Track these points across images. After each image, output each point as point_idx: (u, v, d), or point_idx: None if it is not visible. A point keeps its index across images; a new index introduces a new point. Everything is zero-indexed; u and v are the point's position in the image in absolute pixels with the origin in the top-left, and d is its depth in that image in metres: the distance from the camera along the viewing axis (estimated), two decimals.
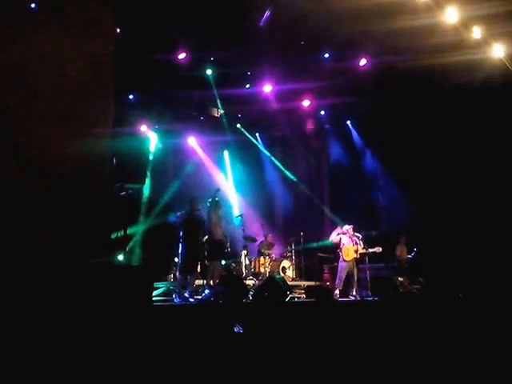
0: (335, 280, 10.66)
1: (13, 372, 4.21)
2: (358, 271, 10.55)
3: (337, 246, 10.81)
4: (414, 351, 5.27)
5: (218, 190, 10.46)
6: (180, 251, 8.97)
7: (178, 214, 9.10)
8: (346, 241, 10.62)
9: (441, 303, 8.36)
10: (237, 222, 11.68)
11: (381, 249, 10.67)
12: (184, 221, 8.99)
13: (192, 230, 9.04)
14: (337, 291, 10.35)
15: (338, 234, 10.79)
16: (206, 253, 9.69)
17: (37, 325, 4.74)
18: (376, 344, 5.56)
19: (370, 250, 10.60)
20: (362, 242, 10.64)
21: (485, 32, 9.54)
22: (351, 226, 10.84)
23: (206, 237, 9.90)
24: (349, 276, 10.49)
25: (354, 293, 10.38)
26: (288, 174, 15.23)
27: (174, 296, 8.91)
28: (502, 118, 10.35)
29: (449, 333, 6.12)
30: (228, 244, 10.28)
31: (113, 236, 8.24)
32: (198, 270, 9.76)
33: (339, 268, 10.60)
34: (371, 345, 5.52)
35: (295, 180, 15.06)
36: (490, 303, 7.67)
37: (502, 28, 9.49)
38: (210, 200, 9.77)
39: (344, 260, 10.51)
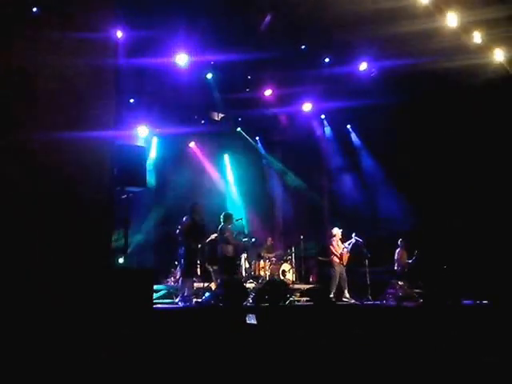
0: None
1: (12, 373, 4.22)
2: (345, 272, 10.78)
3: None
4: (414, 357, 5.27)
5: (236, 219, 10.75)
6: (182, 256, 9.04)
7: (184, 219, 9.17)
8: (336, 246, 10.85)
9: (441, 309, 8.37)
10: (237, 225, 11.70)
11: (354, 239, 10.85)
12: (186, 227, 9.05)
13: (193, 235, 9.10)
14: (331, 294, 10.44)
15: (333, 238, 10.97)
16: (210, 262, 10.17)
17: (36, 327, 4.75)
18: (375, 349, 5.56)
19: (347, 246, 10.85)
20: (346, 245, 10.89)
21: (485, 37, 9.58)
22: (341, 230, 11.14)
23: (209, 239, 10.02)
24: (341, 279, 10.66)
25: (348, 295, 10.47)
26: (288, 177, 15.25)
27: (177, 299, 8.99)
28: (503, 121, 10.38)
29: (450, 338, 6.13)
30: (241, 261, 10.67)
31: (113, 239, 8.26)
32: (198, 272, 9.84)
33: (332, 272, 10.73)
34: (370, 349, 5.52)
35: (295, 183, 15.07)
36: (493, 308, 7.68)
37: (502, 33, 9.53)
38: (225, 216, 9.96)
39: (335, 265, 10.70)
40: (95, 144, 5.83)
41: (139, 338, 5.06)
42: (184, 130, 13.46)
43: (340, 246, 10.96)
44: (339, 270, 10.72)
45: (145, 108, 12.35)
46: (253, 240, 11.10)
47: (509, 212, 10.16)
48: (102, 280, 5.45)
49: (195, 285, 9.79)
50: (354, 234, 10.94)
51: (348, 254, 10.88)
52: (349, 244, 10.94)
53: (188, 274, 9.06)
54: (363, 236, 10.96)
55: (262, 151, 15.67)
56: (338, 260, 10.81)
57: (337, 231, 11.13)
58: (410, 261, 11.44)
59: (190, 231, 9.03)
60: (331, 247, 10.96)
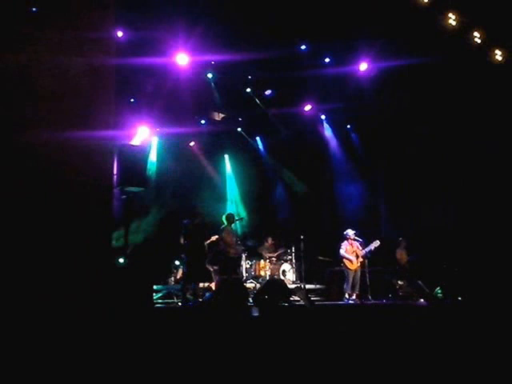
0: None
1: (12, 372, 4.22)
2: (360, 276, 10.59)
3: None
4: (415, 357, 5.25)
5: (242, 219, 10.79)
6: (184, 260, 9.05)
7: (185, 221, 9.18)
8: (347, 249, 10.63)
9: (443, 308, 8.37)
10: (238, 225, 11.73)
11: (378, 242, 10.65)
12: (187, 230, 9.07)
13: (195, 237, 9.12)
14: (346, 295, 10.46)
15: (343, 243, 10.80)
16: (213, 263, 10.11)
17: (37, 326, 4.76)
18: (374, 350, 5.55)
19: (367, 249, 10.59)
20: (360, 246, 10.68)
21: (485, 36, 9.58)
22: (354, 231, 10.84)
23: (209, 240, 10.04)
24: (353, 281, 10.55)
25: (355, 297, 10.41)
26: (288, 177, 15.26)
27: (176, 301, 9.02)
28: (502, 121, 10.38)
29: (450, 339, 6.11)
30: (241, 261, 10.58)
31: (114, 239, 8.29)
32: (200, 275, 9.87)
33: (346, 273, 10.60)
34: (369, 351, 5.51)
35: (295, 183, 15.07)
36: (491, 307, 7.68)
37: (502, 32, 9.53)
38: (227, 216, 9.99)
39: (348, 268, 10.54)
40: (95, 144, 5.82)
41: (139, 337, 5.06)
42: (184, 129, 13.47)
43: (353, 248, 10.68)
44: (352, 271, 10.51)
45: (145, 108, 12.35)
46: (243, 248, 11.03)
47: (507, 212, 10.17)
48: (102, 280, 5.45)
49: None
50: (376, 242, 10.67)
51: (361, 259, 10.60)
52: (368, 251, 10.62)
53: (190, 276, 9.08)
54: (363, 236, 10.94)
55: (263, 151, 15.66)
56: (350, 262, 10.56)
57: (350, 233, 10.80)
58: (408, 257, 11.46)
59: (191, 234, 9.05)
60: (340, 251, 10.67)
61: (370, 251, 10.63)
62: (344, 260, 10.58)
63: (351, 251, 10.61)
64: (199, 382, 4.30)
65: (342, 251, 10.64)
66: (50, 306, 4.94)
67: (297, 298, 10.14)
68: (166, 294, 9.99)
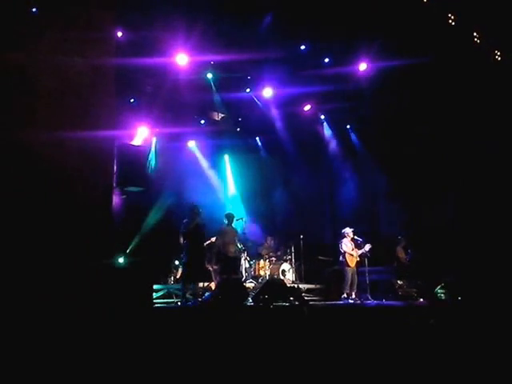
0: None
1: (12, 372, 4.23)
2: (357, 274, 10.61)
3: (339, 251, 10.82)
4: (415, 356, 5.24)
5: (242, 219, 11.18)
6: (183, 260, 9.04)
7: (184, 221, 9.17)
8: (348, 246, 10.64)
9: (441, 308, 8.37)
10: (238, 225, 11.72)
11: (369, 245, 10.66)
12: (186, 229, 9.05)
13: (194, 237, 9.10)
14: (345, 294, 10.46)
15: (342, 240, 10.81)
16: (215, 263, 10.11)
17: (37, 326, 4.76)
18: (374, 350, 5.55)
19: (360, 252, 10.61)
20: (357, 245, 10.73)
21: (486, 35, 9.58)
22: (352, 229, 10.86)
23: (209, 241, 10.04)
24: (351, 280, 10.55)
25: (354, 296, 10.42)
26: (288, 177, 15.26)
27: (176, 300, 9.02)
28: (502, 121, 10.39)
29: (450, 338, 6.11)
30: (241, 261, 10.72)
31: (113, 238, 8.31)
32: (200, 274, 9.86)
33: (345, 272, 10.59)
34: (369, 350, 5.51)
35: (295, 183, 15.07)
36: (490, 305, 7.69)
37: (501, 32, 9.53)
38: (227, 216, 10.01)
39: (349, 266, 10.54)
40: (95, 144, 5.83)
41: (139, 337, 5.07)
42: (184, 129, 13.46)
43: (352, 246, 10.70)
44: (351, 270, 10.53)
45: (145, 108, 12.34)
46: (243, 248, 10.95)
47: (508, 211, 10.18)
48: (102, 280, 5.46)
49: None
50: (368, 245, 10.65)
51: (358, 259, 10.64)
52: (364, 251, 10.60)
53: (189, 276, 9.07)
54: (363, 236, 10.94)
55: (262, 151, 15.65)
56: (351, 259, 10.57)
57: (348, 230, 10.84)
58: (405, 256, 11.47)
59: (191, 233, 9.04)
60: (343, 247, 10.67)
61: (364, 253, 10.65)
62: (346, 256, 10.58)
63: (351, 249, 10.65)
64: (199, 381, 4.31)
65: (344, 247, 10.65)
66: (50, 305, 4.95)
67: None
68: (166, 294, 9.99)
